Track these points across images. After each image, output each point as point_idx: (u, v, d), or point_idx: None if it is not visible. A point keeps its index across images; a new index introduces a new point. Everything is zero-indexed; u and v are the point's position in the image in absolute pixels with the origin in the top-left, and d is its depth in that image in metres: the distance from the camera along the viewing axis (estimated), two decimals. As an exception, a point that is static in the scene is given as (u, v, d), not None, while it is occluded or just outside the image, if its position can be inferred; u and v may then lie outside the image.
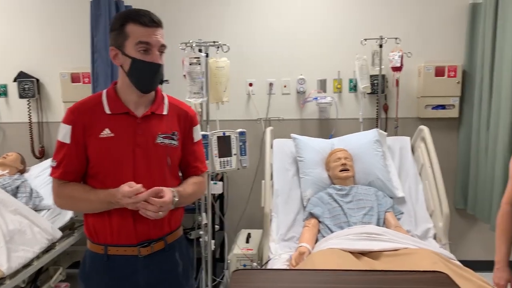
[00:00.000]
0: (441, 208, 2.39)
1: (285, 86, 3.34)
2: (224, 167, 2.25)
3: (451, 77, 3.15)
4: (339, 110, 3.31)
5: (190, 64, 2.22)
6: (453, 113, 3.21)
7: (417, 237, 2.38)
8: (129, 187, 1.35)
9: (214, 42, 2.51)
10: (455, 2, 3.18)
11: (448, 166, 3.28)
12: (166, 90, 1.76)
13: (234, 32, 3.29)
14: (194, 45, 2.35)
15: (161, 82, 1.48)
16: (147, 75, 1.43)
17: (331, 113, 3.33)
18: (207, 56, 2.36)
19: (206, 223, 2.40)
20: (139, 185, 1.36)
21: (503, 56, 2.75)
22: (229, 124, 3.16)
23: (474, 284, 1.71)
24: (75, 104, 1.48)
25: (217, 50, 2.46)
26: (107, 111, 1.45)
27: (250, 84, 3.34)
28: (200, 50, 2.47)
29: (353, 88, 3.30)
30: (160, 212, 1.37)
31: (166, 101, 1.55)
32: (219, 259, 3.38)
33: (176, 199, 1.43)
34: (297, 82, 3.31)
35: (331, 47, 3.28)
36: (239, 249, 2.86)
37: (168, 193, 1.40)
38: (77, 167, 1.45)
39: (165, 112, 1.52)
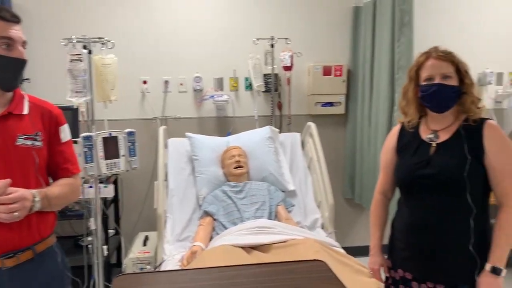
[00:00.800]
0: (327, 199, 2.54)
1: (181, 84, 3.30)
2: (111, 170, 2.16)
3: (337, 76, 3.36)
4: (236, 108, 3.36)
5: (71, 61, 2.09)
6: (340, 109, 3.43)
7: (306, 228, 2.51)
8: None
9: (99, 38, 2.40)
10: (340, 5, 3.40)
11: (337, 159, 3.50)
12: (32, 88, 1.63)
13: (126, 28, 3.17)
14: (75, 41, 2.22)
15: (22, 80, 1.38)
16: (11, 72, 1.35)
17: (228, 111, 3.37)
18: (90, 52, 2.24)
19: (94, 229, 2.28)
20: None
21: (381, 56, 2.99)
22: (122, 123, 3.04)
23: (352, 269, 1.85)
24: None
25: (102, 47, 2.35)
26: None
27: (145, 82, 3.25)
28: (85, 47, 2.34)
29: (249, 86, 3.37)
30: (15, 213, 1.25)
31: (26, 100, 1.44)
32: (116, 264, 3.26)
33: (37, 199, 1.32)
34: (193, 80, 3.29)
35: (226, 46, 3.31)
36: (136, 252, 2.78)
37: (22, 191, 1.28)
38: None
39: (25, 112, 1.41)
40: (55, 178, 1.51)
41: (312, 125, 2.83)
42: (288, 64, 3.14)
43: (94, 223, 2.29)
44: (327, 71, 3.34)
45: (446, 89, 1.54)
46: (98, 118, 2.74)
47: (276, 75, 3.32)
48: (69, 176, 1.52)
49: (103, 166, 2.13)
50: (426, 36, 3.20)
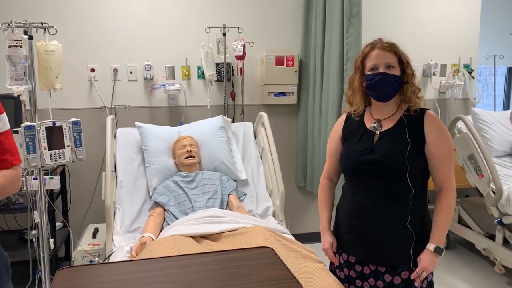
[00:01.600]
0: (278, 187, 2.58)
1: (131, 72, 3.22)
2: (56, 160, 2.08)
3: (290, 66, 3.40)
4: (188, 98, 3.33)
5: (10, 47, 1.99)
6: (292, 99, 3.48)
7: (258, 216, 2.54)
8: None
9: (42, 23, 2.29)
10: (291, -4, 3.43)
11: (290, 148, 3.56)
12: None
13: (72, 14, 3.05)
14: (14, 25, 2.10)
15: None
16: None
17: (180, 101, 3.33)
18: (31, 38, 2.14)
19: (39, 222, 2.20)
20: None
21: (330, 47, 3.05)
22: (68, 113, 2.96)
23: (300, 254, 1.90)
24: None
25: (45, 33, 2.25)
26: None
27: (92, 70, 3.14)
28: (25, 32, 2.23)
29: (201, 75, 3.34)
30: None
31: None
32: (65, 258, 3.17)
33: None
34: (143, 68, 3.22)
35: (177, 34, 3.26)
36: (85, 245, 2.71)
37: None
38: None
39: None
40: None
41: (264, 115, 2.85)
42: (240, 54, 3.14)
43: (39, 216, 2.21)
44: (279, 61, 3.37)
45: (390, 78, 1.61)
46: (42, 107, 2.65)
47: (228, 64, 3.31)
48: (8, 168, 1.45)
49: (47, 157, 2.04)
50: (374, 28, 3.30)
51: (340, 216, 1.79)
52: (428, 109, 1.68)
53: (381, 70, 1.61)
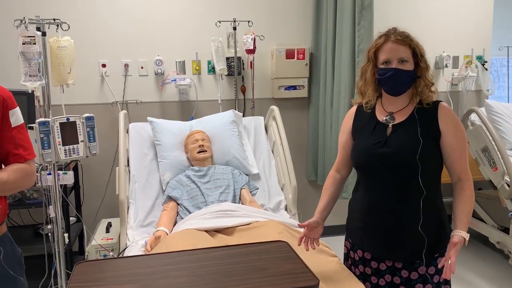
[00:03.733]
0: (290, 181, 2.57)
1: (142, 68, 3.23)
2: (70, 156, 2.10)
3: (300, 59, 3.38)
4: (199, 92, 3.33)
5: (23, 44, 2.00)
6: (303, 93, 3.46)
7: (270, 210, 2.54)
8: None
9: (54, 19, 2.30)
10: (302, -12, 3.40)
11: (301, 142, 3.55)
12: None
13: (83, 9, 3.06)
14: (27, 22, 2.12)
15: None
16: None
17: (191, 95, 3.33)
18: (44, 34, 2.15)
19: (54, 216, 2.22)
20: None
21: (342, 40, 3.03)
22: (80, 108, 2.97)
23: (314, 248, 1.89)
24: None
25: (57, 29, 2.26)
26: None
27: (103, 65, 3.15)
28: (38, 29, 2.25)
29: (212, 69, 3.34)
30: None
31: None
32: (78, 252, 3.20)
33: None
34: (154, 63, 3.22)
35: (188, 28, 3.26)
36: (99, 239, 2.73)
37: None
38: None
39: None
40: (7, 165, 1.45)
41: (275, 109, 2.84)
42: (251, 47, 3.13)
43: (54, 211, 2.23)
44: (290, 55, 3.35)
45: (402, 74, 1.57)
46: (55, 103, 2.66)
47: (239, 58, 3.30)
48: (21, 162, 1.46)
49: (61, 152, 2.06)
50: (386, 20, 3.26)
51: (353, 212, 1.77)
52: (441, 101, 1.65)
53: (393, 65, 1.57)
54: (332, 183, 1.80)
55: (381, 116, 1.68)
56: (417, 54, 1.60)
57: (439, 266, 1.51)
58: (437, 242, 1.59)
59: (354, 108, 1.80)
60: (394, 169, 1.59)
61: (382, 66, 1.61)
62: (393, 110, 1.66)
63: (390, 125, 1.63)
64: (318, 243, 1.74)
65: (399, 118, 1.64)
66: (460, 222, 1.54)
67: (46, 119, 2.01)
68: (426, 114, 1.61)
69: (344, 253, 1.85)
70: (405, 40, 1.59)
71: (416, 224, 1.57)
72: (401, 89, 1.61)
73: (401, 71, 1.57)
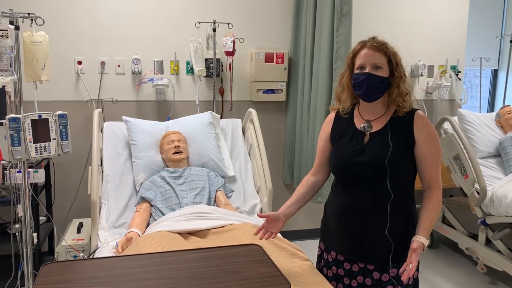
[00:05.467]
0: (266, 184, 2.57)
1: (119, 66, 3.18)
2: (41, 153, 2.04)
3: (279, 63, 3.39)
4: (177, 93, 3.30)
5: (-5, 37, 1.94)
6: (281, 97, 3.47)
7: (245, 213, 2.53)
8: None
9: (28, 14, 2.25)
10: (282, -8, 3.41)
11: (278, 145, 3.56)
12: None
13: (59, 5, 2.99)
14: (0, 15, 2.06)
15: None
16: None
17: (168, 95, 3.30)
18: (17, 28, 2.09)
19: (22, 216, 2.16)
20: None
21: (320, 45, 3.05)
22: (54, 105, 2.91)
23: (287, 252, 1.89)
24: None
25: (31, 23, 2.20)
26: None
27: (79, 62, 3.09)
28: (11, 22, 2.19)
29: (190, 70, 3.32)
30: None
31: None
32: (48, 253, 3.13)
33: None
34: (131, 62, 3.18)
35: (166, 28, 3.23)
36: (69, 240, 2.67)
37: None
38: None
39: None
40: None
41: (253, 111, 2.84)
42: (230, 50, 3.12)
43: (22, 210, 2.17)
44: (269, 58, 3.36)
45: (374, 79, 1.59)
46: (28, 99, 2.60)
47: (218, 60, 3.29)
48: None
49: (32, 150, 2.01)
50: (364, 28, 3.32)
51: (328, 213, 1.80)
52: (417, 110, 1.67)
53: (367, 70, 1.60)
54: (304, 184, 1.81)
55: (359, 124, 1.70)
56: (392, 63, 1.62)
57: (400, 270, 1.53)
58: (405, 246, 1.61)
59: (333, 114, 1.82)
60: (369, 176, 1.62)
61: (357, 71, 1.64)
62: (370, 118, 1.68)
63: (368, 133, 1.66)
64: (275, 237, 1.75)
65: (376, 127, 1.66)
66: (423, 228, 1.58)
67: (17, 115, 1.95)
68: (402, 123, 1.64)
69: (318, 254, 1.87)
70: (381, 47, 1.61)
71: (384, 228, 1.61)
72: (373, 94, 1.63)
73: (374, 76, 1.59)
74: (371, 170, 1.61)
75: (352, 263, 1.71)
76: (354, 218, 1.66)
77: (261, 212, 2.60)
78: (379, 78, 1.60)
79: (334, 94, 1.82)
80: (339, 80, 1.74)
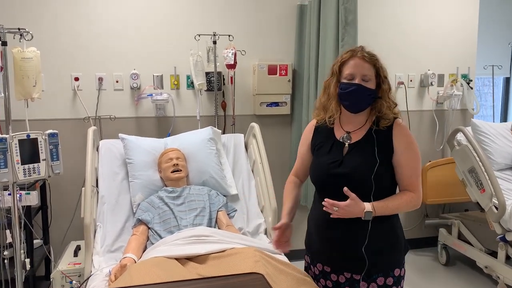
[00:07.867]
0: (270, 203, 2.44)
1: (117, 81, 3.08)
2: (30, 175, 1.93)
3: (283, 75, 3.27)
4: (177, 108, 3.19)
5: (-19, 54, 1.85)
6: (286, 110, 3.35)
7: (249, 234, 2.39)
8: None
9: (19, 29, 2.16)
10: (284, 3, 3.31)
11: (283, 161, 3.42)
12: None
13: (54, 19, 2.91)
14: (-14, 30, 1.97)
15: None
16: None
17: (168, 111, 3.19)
18: (4, 44, 2.00)
19: (10, 242, 2.04)
20: None
21: (325, 55, 2.94)
22: (49, 124, 2.82)
23: (293, 278, 1.75)
24: None
25: (20, 38, 2.11)
26: None
27: (76, 79, 3.00)
28: (-1, 38, 2.10)
29: (191, 84, 3.21)
30: None
31: None
32: (44, 277, 3.00)
33: None
34: (130, 77, 3.08)
35: (166, 41, 3.13)
36: (66, 264, 2.54)
37: None
38: None
39: None
40: None
41: (255, 126, 2.71)
42: (231, 62, 3.01)
43: (12, 235, 2.05)
44: (272, 70, 3.24)
45: (364, 91, 1.59)
46: (19, 118, 2.50)
47: (219, 73, 3.18)
48: None
49: (20, 172, 1.89)
50: (370, 37, 3.20)
51: (311, 227, 1.79)
52: (397, 118, 1.66)
53: (357, 81, 1.59)
54: (293, 187, 1.86)
55: (339, 134, 1.69)
56: (380, 75, 1.62)
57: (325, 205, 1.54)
58: (390, 255, 1.63)
59: (313, 122, 1.81)
60: (348, 187, 1.57)
61: (345, 81, 1.61)
62: (350, 129, 1.68)
63: (347, 144, 1.65)
64: (290, 245, 1.76)
65: (355, 138, 1.66)
66: (377, 202, 1.57)
67: (3, 135, 1.84)
68: (382, 132, 1.63)
69: (305, 267, 1.86)
70: (371, 59, 1.61)
71: (366, 237, 1.59)
72: (360, 106, 1.63)
73: (363, 88, 1.59)
74: (349, 182, 1.58)
75: (338, 274, 1.69)
76: (333, 229, 1.65)
77: (265, 233, 2.46)
78: (368, 90, 1.60)
79: (318, 102, 1.78)
80: (324, 89, 1.73)
